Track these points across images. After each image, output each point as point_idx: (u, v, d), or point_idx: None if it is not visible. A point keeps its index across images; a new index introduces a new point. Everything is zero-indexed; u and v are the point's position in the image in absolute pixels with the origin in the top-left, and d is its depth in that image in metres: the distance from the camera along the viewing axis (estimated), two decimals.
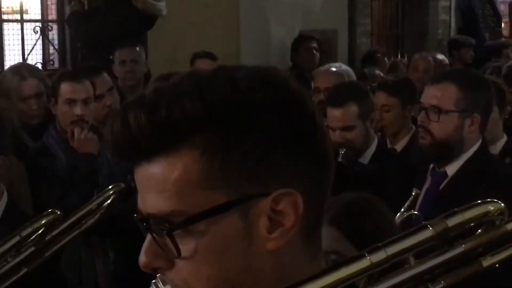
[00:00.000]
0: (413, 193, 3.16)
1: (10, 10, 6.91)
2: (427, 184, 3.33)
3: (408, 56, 8.78)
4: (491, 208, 1.09)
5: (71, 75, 4.45)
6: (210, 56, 6.00)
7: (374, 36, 9.61)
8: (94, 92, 4.39)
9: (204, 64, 5.81)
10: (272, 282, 1.01)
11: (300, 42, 7.67)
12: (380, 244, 1.03)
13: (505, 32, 11.32)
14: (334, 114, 4.02)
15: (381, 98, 4.68)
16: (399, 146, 4.68)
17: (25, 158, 4.00)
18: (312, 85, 5.46)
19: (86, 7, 6.63)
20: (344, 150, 3.93)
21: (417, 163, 3.49)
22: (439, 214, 2.77)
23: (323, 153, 1.06)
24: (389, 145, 4.73)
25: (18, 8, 6.86)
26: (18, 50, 6.80)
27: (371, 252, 1.02)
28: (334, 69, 5.51)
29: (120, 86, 5.13)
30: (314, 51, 7.49)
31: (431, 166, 3.35)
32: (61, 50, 6.99)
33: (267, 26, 8.11)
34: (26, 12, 6.94)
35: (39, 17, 7.01)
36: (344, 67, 5.77)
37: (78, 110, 4.12)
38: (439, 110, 3.21)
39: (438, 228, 1.03)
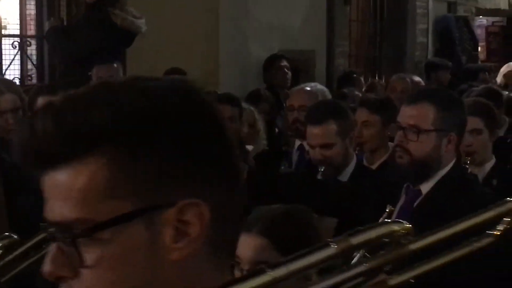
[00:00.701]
0: (387, 210, 3.09)
1: None
2: (401, 202, 3.31)
3: (386, 78, 8.81)
4: (396, 227, 1.09)
5: (48, 89, 4.45)
6: (180, 72, 5.94)
7: (352, 57, 9.64)
8: None
9: None
10: None
11: (272, 61, 7.68)
12: (283, 260, 1.04)
13: (482, 55, 11.47)
14: (314, 132, 4.05)
15: (362, 114, 4.69)
16: (375, 165, 4.69)
17: (1, 171, 3.98)
18: (286, 103, 5.52)
19: (65, 23, 6.64)
20: (323, 167, 3.96)
21: (396, 181, 3.47)
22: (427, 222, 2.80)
23: (231, 165, 1.06)
24: (365, 163, 4.71)
25: None
26: None
27: (273, 267, 1.02)
28: (308, 88, 5.53)
29: None
30: (286, 69, 7.48)
31: (406, 184, 3.35)
32: (39, 66, 6.96)
33: (246, 45, 8.10)
34: (5, 28, 6.89)
35: (17, 32, 6.97)
36: (320, 86, 5.80)
37: None
38: (417, 130, 3.21)
39: (342, 245, 1.03)
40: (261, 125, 5.72)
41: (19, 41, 6.85)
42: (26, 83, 6.53)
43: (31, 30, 7.00)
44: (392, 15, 10.26)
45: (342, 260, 1.08)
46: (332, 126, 4.01)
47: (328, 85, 7.76)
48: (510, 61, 10.15)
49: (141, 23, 6.15)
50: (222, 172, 1.02)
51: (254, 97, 6.53)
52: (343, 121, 4.08)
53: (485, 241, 1.14)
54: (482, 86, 6.75)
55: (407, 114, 3.32)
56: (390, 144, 4.61)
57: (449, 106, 3.33)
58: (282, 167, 4.91)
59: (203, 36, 7.37)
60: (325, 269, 1.11)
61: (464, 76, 8.90)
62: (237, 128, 5.43)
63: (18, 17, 6.93)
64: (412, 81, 7.32)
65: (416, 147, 3.22)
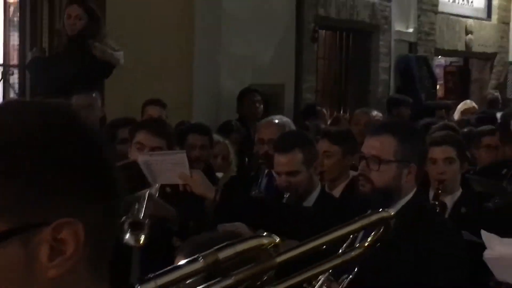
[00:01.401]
0: (351, 236, 3.17)
1: None
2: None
3: (350, 112, 8.87)
4: (265, 241, 1.06)
5: None
6: (159, 103, 5.99)
7: (318, 92, 9.66)
8: None
9: (153, 111, 5.89)
10: None
11: (245, 94, 7.68)
12: (151, 275, 1.01)
13: (440, 93, 11.48)
14: (280, 160, 4.04)
15: (324, 145, 4.68)
16: (336, 192, 4.65)
17: None
18: (256, 135, 5.51)
19: (47, 53, 6.61)
20: (288, 193, 3.96)
21: (358, 208, 3.43)
22: (375, 256, 2.76)
23: (110, 186, 1.03)
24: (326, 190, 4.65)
25: None
26: None
27: (143, 282, 1.00)
28: (276, 120, 5.51)
29: None
30: (257, 103, 7.50)
31: (369, 211, 3.35)
32: (21, 94, 6.87)
33: (219, 78, 8.09)
34: None
35: (1, 61, 6.96)
36: (285, 119, 5.77)
37: None
38: (379, 160, 3.21)
39: (209, 260, 1.01)
40: (233, 157, 5.76)
41: (2, 70, 6.84)
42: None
43: (14, 59, 7.00)
44: (357, 53, 10.33)
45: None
46: (298, 155, 4.00)
47: (295, 117, 7.87)
48: (467, 99, 10.38)
49: (120, 55, 6.17)
50: (98, 192, 1.00)
51: (225, 128, 6.55)
52: (308, 150, 4.07)
53: (355, 253, 1.14)
54: (441, 122, 6.83)
55: (369, 145, 3.31)
56: (352, 172, 4.69)
57: (409, 138, 3.33)
58: (253, 193, 4.87)
59: (178, 69, 7.40)
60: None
61: (424, 112, 8.92)
62: (207, 155, 5.47)
63: (2, 47, 6.95)
64: (374, 116, 7.30)
65: (377, 176, 3.21)
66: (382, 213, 1.19)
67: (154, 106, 5.98)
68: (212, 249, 1.03)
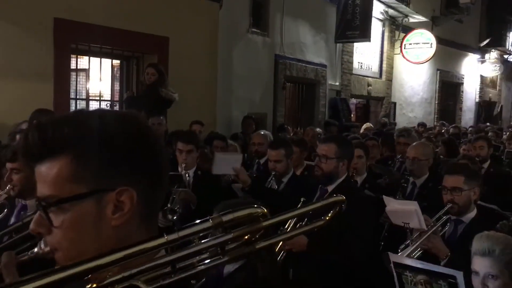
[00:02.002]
0: (302, 199, 3.06)
1: (93, 94, 6.78)
2: (316, 195, 3.25)
3: (304, 129, 8.81)
4: (257, 210, 0.92)
5: None
6: (199, 122, 5.98)
7: (286, 117, 9.59)
8: None
9: (196, 127, 5.91)
10: (114, 245, 0.88)
11: (245, 119, 7.68)
12: (176, 228, 0.89)
13: (353, 119, 11.52)
14: (272, 153, 3.98)
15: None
16: (297, 172, 4.51)
17: None
18: (251, 140, 5.46)
19: (135, 94, 6.56)
20: (273, 173, 3.92)
21: (314, 184, 3.36)
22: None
23: (158, 169, 0.95)
24: None
25: (98, 93, 6.77)
26: None
27: (168, 233, 0.88)
28: (262, 132, 5.53)
29: None
30: (252, 124, 7.46)
31: (320, 186, 3.30)
32: None
33: (230, 109, 8.10)
34: (102, 96, 6.85)
35: (109, 98, 6.94)
36: (267, 132, 5.81)
37: None
38: (326, 157, 3.16)
39: (215, 221, 0.89)
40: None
41: (110, 103, 6.87)
42: None
43: (116, 97, 6.96)
44: (307, 96, 10.32)
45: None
46: (282, 151, 3.95)
47: (273, 131, 7.83)
48: (367, 122, 10.44)
49: (176, 95, 6.13)
50: (147, 172, 0.93)
51: (235, 137, 6.56)
52: (288, 148, 4.03)
53: (318, 223, 1.00)
54: (353, 135, 6.83)
55: (321, 148, 3.25)
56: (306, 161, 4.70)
57: (344, 144, 3.28)
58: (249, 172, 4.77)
59: (207, 104, 7.36)
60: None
61: (344, 129, 8.83)
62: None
63: (110, 90, 6.94)
64: (317, 131, 7.35)
65: (325, 167, 3.17)
66: (338, 197, 0.99)
67: (196, 124, 5.99)
68: (217, 214, 0.91)
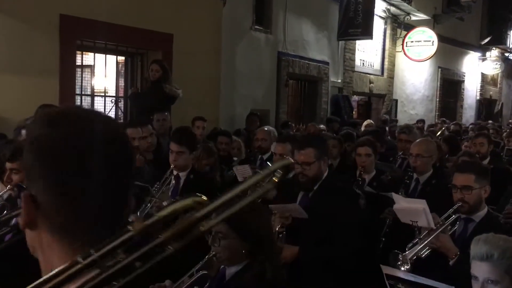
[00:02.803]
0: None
1: (98, 90, 6.71)
2: (299, 197, 3.16)
3: (306, 125, 8.76)
4: (188, 203, 0.77)
5: (130, 124, 4.41)
6: (202, 118, 5.94)
7: (288, 114, 9.58)
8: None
9: (199, 123, 5.90)
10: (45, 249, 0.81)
11: (249, 115, 7.66)
12: (91, 251, 0.70)
13: (355, 116, 11.50)
14: (278, 148, 3.98)
15: (290, 145, 4.30)
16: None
17: None
18: (255, 136, 5.42)
19: (139, 90, 6.54)
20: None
21: (300, 190, 3.20)
22: (313, 215, 2.78)
23: (82, 181, 0.80)
24: None
25: (103, 89, 6.75)
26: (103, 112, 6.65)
27: (84, 257, 0.70)
28: (266, 129, 5.54)
29: (156, 133, 5.05)
30: (256, 121, 7.40)
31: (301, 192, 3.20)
32: (125, 112, 6.85)
33: (233, 104, 8.09)
34: (107, 92, 6.79)
35: (114, 94, 6.90)
36: (271, 128, 5.81)
37: (136, 142, 4.03)
38: (308, 164, 3.04)
39: (137, 227, 0.73)
40: (242, 148, 5.75)
41: (115, 99, 6.84)
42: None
43: (121, 93, 6.93)
44: (309, 93, 10.31)
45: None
46: (288, 146, 3.86)
47: (276, 127, 7.84)
48: (369, 119, 10.42)
49: (180, 92, 6.12)
50: (64, 180, 0.80)
51: (238, 133, 6.60)
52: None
53: (267, 186, 0.79)
54: (345, 131, 6.63)
55: (300, 155, 3.09)
56: None
57: (321, 145, 3.16)
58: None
59: (212, 100, 7.33)
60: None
61: (350, 126, 8.60)
62: (229, 148, 5.48)
63: (115, 86, 6.90)
64: (320, 127, 7.45)
65: (310, 172, 3.05)
66: (284, 162, 0.89)
67: (199, 120, 5.95)
68: (139, 220, 0.76)
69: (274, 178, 0.85)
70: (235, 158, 5.40)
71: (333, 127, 8.39)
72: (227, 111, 7.89)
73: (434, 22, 13.87)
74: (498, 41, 17.20)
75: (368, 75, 12.09)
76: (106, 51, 6.48)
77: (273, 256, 2.14)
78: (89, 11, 5.72)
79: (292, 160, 0.90)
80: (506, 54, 18.60)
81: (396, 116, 12.94)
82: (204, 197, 0.78)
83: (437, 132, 8.72)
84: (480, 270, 1.99)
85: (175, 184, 3.60)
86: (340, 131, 7.27)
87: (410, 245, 2.68)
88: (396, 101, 13.33)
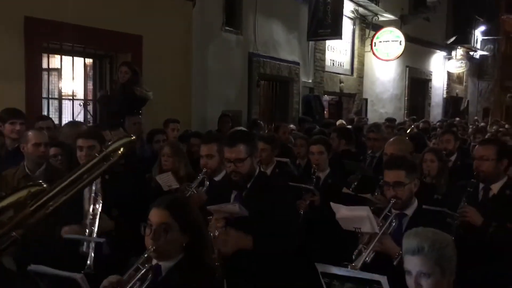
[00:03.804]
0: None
1: (66, 94, 6.58)
2: (232, 197, 2.94)
3: (274, 125, 8.67)
4: (21, 194, 0.74)
5: (100, 127, 4.34)
6: (176, 120, 5.88)
7: (260, 114, 9.56)
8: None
9: (173, 126, 5.83)
10: None
11: (221, 117, 7.59)
12: None
13: (326, 115, 11.59)
14: (203, 148, 3.60)
15: (260, 144, 4.26)
16: (268, 170, 4.35)
17: None
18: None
19: (109, 93, 6.45)
20: (205, 170, 3.48)
21: (233, 189, 2.96)
22: (249, 214, 2.64)
23: None
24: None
25: (71, 92, 6.61)
26: (71, 115, 6.53)
27: None
28: (238, 129, 5.37)
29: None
30: (228, 122, 7.35)
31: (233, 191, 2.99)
32: (94, 116, 6.73)
33: (205, 105, 8.03)
34: (75, 95, 6.67)
35: (83, 97, 6.76)
36: (244, 129, 5.73)
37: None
38: (240, 160, 2.84)
39: None
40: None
41: (83, 102, 6.71)
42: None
43: (90, 96, 6.81)
44: (281, 94, 10.31)
45: None
46: (214, 146, 3.53)
47: (248, 128, 7.86)
48: (340, 119, 10.50)
49: (150, 94, 6.04)
50: None
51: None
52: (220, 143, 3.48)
53: (113, 159, 0.88)
54: (316, 129, 6.79)
55: (230, 152, 2.88)
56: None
57: (250, 141, 2.95)
58: None
59: (183, 101, 7.27)
60: None
61: (324, 127, 8.20)
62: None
63: (83, 89, 6.77)
64: (291, 127, 7.36)
65: (243, 169, 2.86)
66: (127, 138, 0.92)
67: (173, 122, 5.88)
68: None
69: (119, 151, 0.92)
70: None
71: (304, 127, 8.38)
72: (199, 112, 7.82)
73: (401, 23, 14.10)
74: (463, 40, 17.63)
75: (338, 75, 12.20)
76: (73, 53, 6.35)
77: (209, 248, 2.20)
78: (55, 12, 5.58)
79: (134, 137, 0.84)
80: (471, 53, 19.09)
81: (366, 115, 13.08)
82: (44, 184, 0.78)
83: (407, 130, 8.87)
84: (412, 264, 2.01)
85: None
86: (311, 130, 7.26)
87: (355, 252, 2.63)
88: (366, 100, 13.49)
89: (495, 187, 3.34)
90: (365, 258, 2.55)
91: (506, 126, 12.93)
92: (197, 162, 4.85)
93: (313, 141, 4.57)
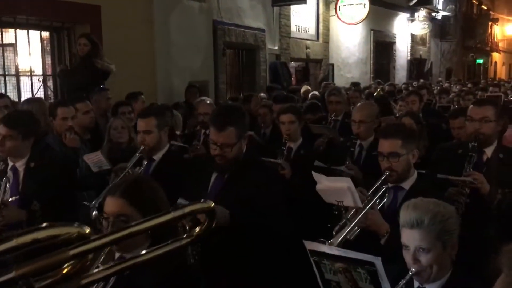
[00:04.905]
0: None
1: (23, 70, 6.30)
2: (213, 178, 2.65)
3: (245, 95, 8.66)
4: (70, 230, 0.62)
5: (61, 103, 4.14)
6: (140, 93, 5.71)
7: (227, 84, 9.44)
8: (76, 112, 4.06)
9: (137, 99, 5.66)
10: None
11: (188, 87, 7.38)
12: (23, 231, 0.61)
13: (293, 82, 11.54)
14: (140, 123, 3.23)
15: None
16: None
17: None
18: (196, 109, 5.15)
19: (68, 67, 6.19)
20: (142, 147, 3.18)
21: (214, 171, 2.66)
22: (229, 198, 2.35)
23: None
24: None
25: (28, 68, 6.34)
26: (30, 92, 6.27)
27: (18, 236, 0.59)
28: (208, 101, 5.29)
29: (95, 111, 4.76)
30: (195, 93, 7.10)
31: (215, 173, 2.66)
32: (55, 92, 6.49)
33: (171, 76, 7.83)
34: (33, 71, 6.39)
35: (41, 72, 6.48)
36: (210, 100, 5.63)
37: (69, 122, 3.86)
38: (229, 145, 2.53)
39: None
40: (180, 122, 5.54)
41: (42, 77, 6.47)
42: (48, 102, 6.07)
43: (49, 71, 6.54)
44: (247, 62, 10.17)
45: None
46: (153, 120, 3.22)
47: (216, 98, 7.82)
48: (307, 85, 10.47)
49: (113, 66, 5.83)
50: None
51: (176, 106, 6.36)
52: (161, 118, 3.32)
53: (186, 240, 0.80)
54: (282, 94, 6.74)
55: (218, 136, 2.55)
56: None
57: (242, 122, 2.63)
58: (193, 143, 4.38)
59: (147, 73, 7.13)
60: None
61: (289, 92, 8.32)
62: (169, 122, 5.26)
63: (41, 64, 6.49)
64: (261, 97, 7.25)
65: (229, 153, 2.54)
66: (205, 204, 0.75)
67: (139, 95, 5.68)
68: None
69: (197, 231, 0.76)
70: (177, 132, 5.21)
71: (272, 95, 8.28)
72: (165, 84, 7.64)
73: None
74: (425, 1, 17.72)
75: (304, 40, 12.09)
76: (28, 26, 6.06)
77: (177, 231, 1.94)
78: None
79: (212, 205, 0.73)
80: (433, 14, 19.24)
81: (333, 80, 13.07)
82: (89, 230, 0.62)
83: (373, 93, 8.91)
84: (410, 238, 1.85)
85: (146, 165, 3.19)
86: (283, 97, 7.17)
87: (337, 228, 2.38)
88: (333, 65, 13.46)
89: (489, 151, 3.06)
90: (347, 235, 2.28)
91: (469, 85, 13.19)
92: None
93: (283, 109, 4.17)
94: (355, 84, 11.76)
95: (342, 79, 13.58)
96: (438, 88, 11.51)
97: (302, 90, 9.42)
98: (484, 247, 2.48)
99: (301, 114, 4.20)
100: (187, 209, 0.78)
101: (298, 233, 2.47)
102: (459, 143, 3.38)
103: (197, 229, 0.81)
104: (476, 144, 2.98)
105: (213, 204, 0.83)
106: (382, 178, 2.57)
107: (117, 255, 1.84)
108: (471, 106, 3.18)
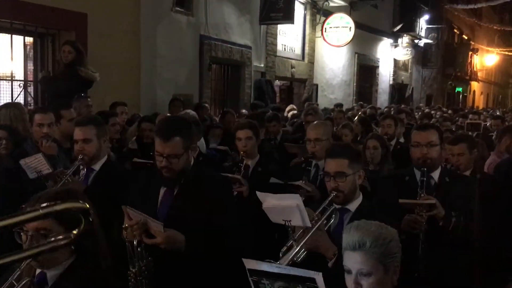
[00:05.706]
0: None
1: (3, 74, 6.16)
2: (161, 194, 2.52)
3: (222, 113, 8.56)
4: (75, 205, 0.71)
5: (41, 110, 4.00)
6: (123, 103, 5.64)
7: (212, 99, 9.42)
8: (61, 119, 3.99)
9: (121, 109, 5.57)
10: None
11: (172, 100, 7.23)
12: None
13: (277, 100, 11.57)
14: (77, 132, 3.12)
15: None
16: None
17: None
18: None
19: (51, 74, 6.08)
20: (81, 157, 3.06)
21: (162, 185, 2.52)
22: (181, 214, 2.27)
23: None
24: None
25: (9, 73, 6.17)
26: (10, 97, 6.12)
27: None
28: (191, 114, 5.38)
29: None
30: (179, 106, 6.95)
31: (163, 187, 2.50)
32: (35, 99, 6.34)
33: (155, 89, 7.76)
34: (14, 76, 6.25)
35: (23, 78, 6.33)
36: (193, 112, 5.68)
37: (45, 129, 3.74)
38: (175, 156, 2.41)
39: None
40: None
41: (23, 83, 6.32)
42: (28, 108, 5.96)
43: (30, 77, 6.39)
44: (233, 78, 10.15)
45: None
46: (92, 129, 3.12)
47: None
48: (291, 104, 10.49)
49: (97, 75, 5.75)
50: None
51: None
52: (100, 126, 3.21)
53: (64, 241, 0.84)
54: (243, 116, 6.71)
55: (165, 147, 2.41)
56: None
57: (188, 132, 2.50)
58: None
59: (131, 83, 7.07)
60: None
61: (273, 110, 8.38)
62: (152, 135, 5.19)
63: (23, 69, 6.34)
64: (243, 112, 7.33)
65: (177, 165, 2.42)
66: (75, 204, 0.75)
67: (121, 105, 5.61)
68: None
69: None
70: None
71: (256, 112, 8.24)
72: (148, 95, 7.57)
73: (350, 9, 14.21)
74: (409, 28, 18.07)
75: (290, 60, 12.17)
76: (12, 31, 5.94)
77: (104, 249, 1.84)
78: None
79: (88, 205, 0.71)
80: (416, 41, 19.63)
81: (316, 100, 13.15)
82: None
83: (355, 116, 8.97)
84: (352, 261, 1.79)
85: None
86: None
87: (284, 249, 2.26)
88: (317, 85, 13.56)
89: (435, 175, 3.02)
90: (294, 256, 2.19)
91: (449, 111, 13.42)
92: (147, 146, 4.69)
93: (239, 125, 3.99)
94: (338, 105, 11.84)
95: (325, 99, 13.67)
96: (420, 113, 11.66)
97: (288, 109, 9.43)
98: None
99: (258, 130, 4.01)
100: (57, 207, 0.81)
101: (254, 250, 2.35)
102: (402, 170, 3.34)
103: (75, 231, 0.85)
104: (426, 169, 2.93)
105: (88, 205, 0.84)
106: (329, 199, 2.50)
107: (38, 271, 1.75)
108: (415, 131, 3.12)
